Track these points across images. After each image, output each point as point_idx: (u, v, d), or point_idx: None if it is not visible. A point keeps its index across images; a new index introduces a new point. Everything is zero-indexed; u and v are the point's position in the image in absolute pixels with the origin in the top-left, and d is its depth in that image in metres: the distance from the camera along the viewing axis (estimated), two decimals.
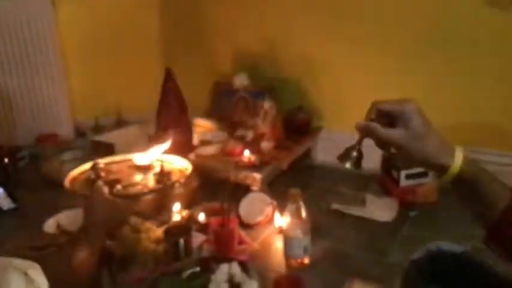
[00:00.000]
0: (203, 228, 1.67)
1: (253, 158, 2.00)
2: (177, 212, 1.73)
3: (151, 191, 1.47)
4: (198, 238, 1.61)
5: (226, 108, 2.40)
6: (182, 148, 1.90)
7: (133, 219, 1.66)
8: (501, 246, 0.80)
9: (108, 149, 2.21)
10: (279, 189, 1.87)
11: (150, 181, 1.60)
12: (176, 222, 1.69)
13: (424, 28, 2.02)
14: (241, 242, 1.62)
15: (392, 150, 0.80)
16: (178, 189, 1.81)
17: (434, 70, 2.04)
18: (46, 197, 1.97)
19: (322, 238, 1.63)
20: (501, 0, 1.80)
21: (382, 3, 2.10)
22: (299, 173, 2.18)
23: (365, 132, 0.79)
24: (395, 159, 1.92)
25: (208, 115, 2.44)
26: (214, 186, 1.86)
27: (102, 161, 1.65)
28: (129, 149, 1.85)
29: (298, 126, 2.29)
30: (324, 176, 2.18)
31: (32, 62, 2.48)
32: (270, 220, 1.75)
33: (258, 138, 2.14)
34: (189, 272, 1.41)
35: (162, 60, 2.81)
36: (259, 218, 1.74)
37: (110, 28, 2.66)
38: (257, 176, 1.88)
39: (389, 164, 1.98)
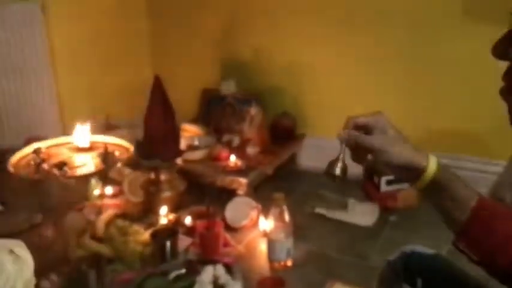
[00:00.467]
0: (189, 231, 1.72)
1: (239, 162, 2.05)
2: (164, 216, 1.78)
3: (100, 171, 1.49)
4: (184, 241, 1.66)
5: (214, 114, 2.44)
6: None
7: (121, 222, 1.70)
8: (470, 248, 0.86)
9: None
10: (264, 193, 1.91)
11: (95, 161, 1.58)
12: (163, 225, 1.73)
13: (405, 40, 2.09)
14: (226, 245, 1.67)
15: (369, 157, 0.86)
16: (166, 193, 1.86)
17: (416, 80, 2.11)
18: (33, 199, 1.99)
19: (305, 241, 1.69)
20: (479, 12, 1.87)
21: (368, 14, 2.16)
22: (284, 177, 2.23)
23: (348, 141, 0.84)
24: (373, 166, 1.98)
25: (196, 121, 2.48)
26: (200, 190, 1.91)
27: (43, 145, 1.63)
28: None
29: (283, 132, 2.34)
30: (308, 181, 2.23)
31: (21, 67, 2.49)
32: (255, 224, 1.80)
33: (244, 143, 2.20)
34: (175, 273, 1.46)
35: (151, 66, 2.84)
36: (244, 222, 1.78)
37: (99, 34, 2.68)
38: (243, 180, 1.93)
39: (371, 170, 2.04)
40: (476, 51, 1.93)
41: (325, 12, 2.26)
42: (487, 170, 2.01)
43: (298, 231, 1.63)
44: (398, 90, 2.16)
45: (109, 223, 1.73)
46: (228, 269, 1.45)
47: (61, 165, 1.50)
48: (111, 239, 1.65)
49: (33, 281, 0.83)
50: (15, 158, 1.58)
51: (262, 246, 1.67)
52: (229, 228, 1.76)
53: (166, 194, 1.85)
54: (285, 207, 1.53)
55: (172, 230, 1.64)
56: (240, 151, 2.14)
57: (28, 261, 0.82)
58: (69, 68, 2.69)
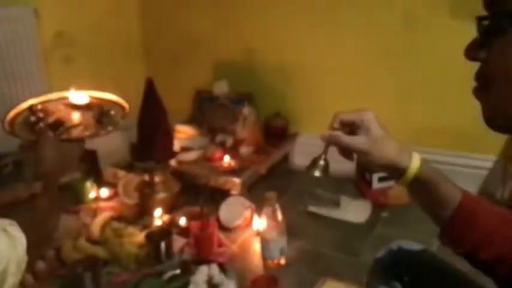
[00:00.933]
0: (184, 232, 1.74)
1: (232, 163, 2.07)
2: (159, 217, 1.80)
3: (96, 133, 1.36)
4: (179, 241, 1.68)
5: (207, 115, 2.46)
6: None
7: (116, 224, 1.72)
8: (454, 242, 0.88)
9: (91, 156, 2.26)
10: (258, 193, 1.93)
11: (91, 121, 1.43)
12: (158, 226, 1.75)
13: (393, 38, 2.11)
14: (220, 245, 1.69)
15: (355, 156, 0.88)
16: (160, 195, 1.88)
17: (405, 77, 2.13)
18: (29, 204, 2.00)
19: (299, 239, 1.71)
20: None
21: (356, 13, 2.18)
22: (277, 176, 2.25)
23: (330, 141, 0.86)
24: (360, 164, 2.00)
25: (189, 122, 2.50)
26: (195, 191, 1.93)
27: (38, 101, 1.48)
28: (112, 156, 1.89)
29: (276, 131, 2.37)
30: (301, 180, 2.25)
31: (14, 69, 2.50)
32: (249, 223, 1.82)
33: (238, 143, 2.22)
34: (170, 274, 1.48)
35: (144, 68, 2.86)
36: (238, 222, 1.80)
37: (91, 37, 2.69)
38: (236, 180, 1.95)
39: (363, 167, 2.07)
40: None
41: (316, 13, 2.28)
42: (477, 165, 2.04)
43: (291, 229, 1.65)
44: (389, 88, 2.18)
45: (104, 225, 1.75)
46: (222, 268, 1.47)
47: (57, 125, 1.35)
48: (106, 241, 1.67)
49: (25, 260, 0.83)
50: (10, 116, 1.43)
51: (256, 245, 1.69)
52: (223, 228, 1.78)
53: (161, 195, 1.87)
54: (277, 206, 1.55)
55: (167, 231, 1.66)
56: (233, 151, 2.16)
57: (21, 240, 0.83)
58: (62, 72, 2.70)
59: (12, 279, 0.79)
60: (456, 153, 2.08)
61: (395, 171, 0.85)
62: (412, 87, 2.13)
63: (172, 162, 2.09)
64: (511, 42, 0.52)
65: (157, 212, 1.81)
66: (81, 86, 1.60)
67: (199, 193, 1.89)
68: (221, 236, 1.72)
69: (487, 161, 1.98)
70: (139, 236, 1.67)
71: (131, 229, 1.72)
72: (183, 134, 2.32)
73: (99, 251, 1.63)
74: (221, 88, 2.45)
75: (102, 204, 2.01)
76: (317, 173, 0.87)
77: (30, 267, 0.87)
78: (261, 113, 2.36)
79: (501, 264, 0.80)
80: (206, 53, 2.67)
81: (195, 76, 2.73)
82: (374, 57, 2.18)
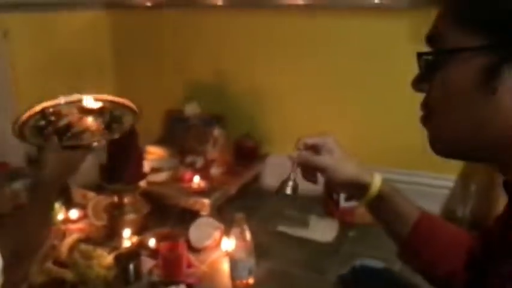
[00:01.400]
0: (153, 253, 1.74)
1: (202, 183, 2.09)
2: (128, 238, 1.79)
3: (101, 140, 1.34)
4: (148, 263, 1.68)
5: (177, 135, 2.47)
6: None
7: (84, 246, 1.70)
8: (412, 259, 0.93)
9: None
10: (228, 213, 1.95)
11: (101, 127, 1.42)
12: (126, 248, 1.75)
13: (359, 65, 2.19)
14: (189, 266, 1.70)
15: (319, 176, 0.92)
16: (129, 216, 1.88)
17: (369, 99, 2.20)
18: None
19: (268, 259, 1.73)
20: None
21: (321, 42, 2.26)
22: (247, 197, 2.27)
23: (298, 160, 0.90)
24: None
25: (159, 142, 2.51)
26: (164, 212, 1.93)
27: (51, 104, 1.47)
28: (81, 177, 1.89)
29: (246, 152, 2.40)
30: (271, 200, 2.28)
31: None
32: (218, 244, 1.83)
33: (208, 164, 2.24)
34: None
35: (114, 89, 2.86)
36: (208, 242, 1.82)
37: (62, 59, 2.69)
38: (206, 201, 1.96)
39: (330, 187, 2.11)
40: None
41: (285, 39, 2.35)
42: (440, 185, 2.11)
43: (260, 249, 1.67)
44: (354, 111, 2.25)
45: (72, 247, 1.73)
46: None
47: (65, 130, 1.32)
48: (74, 263, 1.66)
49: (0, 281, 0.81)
50: (22, 118, 1.41)
51: (225, 266, 1.70)
52: (193, 249, 1.79)
53: (130, 216, 1.87)
54: (245, 227, 1.57)
55: (136, 253, 1.66)
56: (203, 172, 2.18)
57: None
58: (32, 93, 2.68)
59: None
60: (420, 173, 2.15)
61: (358, 189, 0.90)
62: (376, 110, 2.21)
63: (142, 183, 2.09)
64: (449, 76, 0.57)
65: (126, 233, 1.80)
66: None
67: (168, 214, 1.90)
68: (190, 256, 1.73)
69: (449, 180, 2.06)
70: (108, 258, 1.66)
71: (100, 251, 1.71)
72: (153, 154, 2.32)
73: (67, 274, 1.62)
74: (192, 109, 2.47)
75: (70, 225, 1.99)
76: (288, 191, 0.91)
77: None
78: (231, 134, 2.40)
79: (454, 280, 0.84)
80: (178, 73, 2.71)
81: (166, 96, 2.75)
82: (339, 82, 2.26)
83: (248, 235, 1.57)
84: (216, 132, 2.28)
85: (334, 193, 2.08)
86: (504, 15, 0.51)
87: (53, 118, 1.38)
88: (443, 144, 0.63)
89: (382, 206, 0.90)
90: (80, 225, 2.00)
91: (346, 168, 0.88)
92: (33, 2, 2.55)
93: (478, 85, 0.53)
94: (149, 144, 2.37)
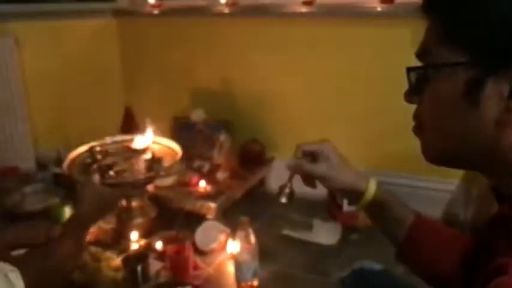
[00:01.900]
0: (160, 255, 1.78)
1: (208, 188, 2.13)
2: (136, 241, 1.83)
3: (141, 180, 1.44)
4: (155, 265, 1.72)
5: (185, 141, 2.52)
6: None
7: (93, 249, 1.75)
8: (409, 260, 0.96)
9: (69, 181, 2.28)
10: (233, 217, 1.99)
11: (141, 167, 1.56)
12: (134, 250, 1.79)
13: (362, 73, 2.23)
14: (196, 268, 1.74)
15: (317, 183, 0.95)
16: (137, 219, 1.92)
17: (373, 106, 2.24)
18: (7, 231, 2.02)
19: (272, 262, 1.77)
20: None
21: (328, 45, 2.30)
22: (253, 201, 2.31)
23: (294, 169, 0.94)
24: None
25: None
26: (171, 216, 1.98)
27: (99, 143, 1.58)
28: None
29: (252, 157, 2.44)
30: (276, 204, 2.29)
31: None
32: (224, 247, 1.87)
33: (214, 169, 2.28)
34: None
35: (123, 96, 2.93)
36: (214, 245, 1.86)
37: (71, 66, 2.76)
38: (212, 205, 2.01)
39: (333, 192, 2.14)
40: None
41: (293, 46, 2.40)
42: (442, 188, 2.13)
43: (265, 252, 1.71)
44: (360, 116, 2.29)
45: None
46: None
47: (108, 168, 1.43)
48: (83, 265, 1.70)
49: None
50: (72, 156, 1.52)
51: (230, 268, 1.74)
52: (199, 252, 1.83)
53: (138, 220, 1.90)
54: (250, 230, 1.61)
55: (144, 255, 1.70)
56: (210, 177, 2.22)
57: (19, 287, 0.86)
58: (43, 100, 2.75)
59: None
60: (422, 178, 2.18)
61: (354, 195, 0.93)
62: (379, 115, 2.24)
63: (150, 188, 2.13)
64: (437, 89, 0.61)
65: (134, 236, 1.85)
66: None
67: (175, 218, 1.94)
68: (197, 259, 1.76)
69: (450, 185, 2.08)
70: (117, 260, 1.70)
71: (108, 253, 1.75)
72: None
73: (77, 276, 1.66)
74: (199, 115, 2.52)
75: None
76: (283, 200, 0.95)
77: None
78: (237, 139, 2.45)
79: (450, 280, 0.87)
80: (185, 80, 2.76)
81: (173, 103, 2.80)
82: (344, 87, 2.30)
83: (253, 238, 1.61)
84: (222, 137, 2.32)
85: (337, 197, 2.11)
86: (484, 35, 0.55)
87: (99, 156, 1.49)
88: (433, 153, 0.67)
89: (378, 210, 0.94)
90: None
91: (342, 176, 0.91)
92: (43, 10, 2.62)
93: (463, 97, 0.57)
94: None
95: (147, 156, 1.56)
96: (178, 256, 1.69)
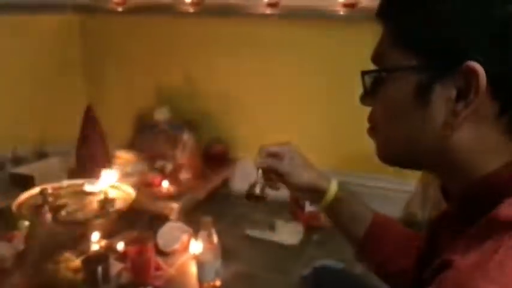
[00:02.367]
0: (122, 256, 1.75)
1: (171, 188, 2.11)
2: (96, 242, 1.80)
3: (94, 217, 1.56)
4: (116, 266, 1.69)
5: (147, 140, 2.50)
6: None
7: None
8: (366, 258, 0.99)
9: (28, 182, 2.22)
10: (197, 217, 1.98)
11: (94, 207, 1.67)
12: (95, 251, 1.76)
13: (325, 72, 2.27)
14: (158, 269, 1.72)
15: (279, 182, 0.97)
16: (98, 220, 1.89)
17: (335, 106, 2.28)
18: None
19: (235, 262, 1.78)
20: None
21: (286, 50, 2.33)
22: (217, 201, 2.32)
23: (261, 165, 0.95)
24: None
25: (129, 147, 2.52)
26: (133, 216, 1.95)
27: (51, 186, 1.67)
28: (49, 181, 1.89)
29: (215, 157, 2.44)
30: (240, 204, 2.32)
31: None
32: (186, 247, 1.86)
33: (177, 169, 2.26)
34: None
35: (84, 94, 2.86)
36: (176, 246, 1.85)
37: (32, 62, 2.68)
38: (174, 205, 1.99)
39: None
40: None
41: (255, 46, 2.42)
42: (401, 189, 2.20)
43: (228, 252, 1.71)
44: (322, 117, 2.33)
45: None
46: None
47: (60, 208, 1.54)
48: (41, 267, 1.66)
49: None
50: (23, 197, 1.62)
51: (193, 269, 1.74)
52: (161, 253, 1.82)
53: (98, 220, 1.88)
54: (213, 230, 1.61)
55: (104, 256, 1.67)
56: (172, 177, 2.21)
57: None
58: (3, 95, 2.66)
59: None
60: (382, 178, 2.23)
61: (316, 194, 0.95)
62: (341, 116, 2.28)
63: None
64: (388, 92, 0.63)
65: (95, 236, 1.81)
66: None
67: (137, 218, 1.92)
68: (158, 260, 1.75)
69: (409, 185, 2.14)
70: (76, 261, 1.67)
71: (67, 254, 1.71)
72: (123, 159, 2.34)
73: (33, 277, 1.62)
74: (162, 114, 2.50)
75: None
76: (257, 191, 0.96)
77: None
78: (201, 139, 2.44)
79: (406, 277, 0.90)
80: (148, 79, 2.73)
81: (136, 102, 2.77)
82: (307, 89, 2.33)
83: (215, 238, 1.61)
84: (185, 137, 2.31)
85: (299, 198, 2.14)
86: (430, 39, 0.57)
87: (50, 199, 1.59)
88: (385, 154, 0.69)
89: (338, 209, 0.96)
90: None
91: (305, 174, 0.93)
92: (2, 3, 2.54)
93: (412, 100, 0.60)
94: (119, 149, 2.38)
95: (99, 197, 1.68)
96: (139, 257, 1.67)
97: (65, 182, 1.75)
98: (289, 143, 0.97)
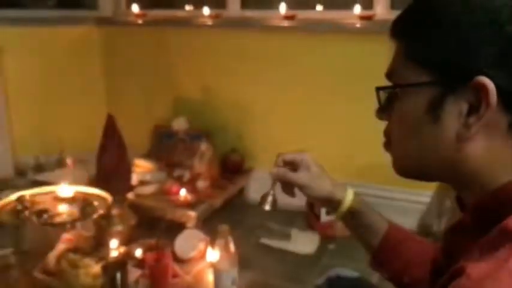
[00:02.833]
0: (140, 263, 1.79)
1: (189, 196, 2.15)
2: (115, 249, 1.84)
3: (77, 220, 1.61)
4: (134, 273, 1.72)
5: (166, 149, 2.54)
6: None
7: (72, 255, 1.75)
8: (382, 268, 1.00)
9: None
10: (213, 226, 2.00)
11: (75, 211, 1.72)
12: (114, 258, 1.79)
13: (340, 79, 2.29)
14: (175, 276, 1.75)
15: (296, 191, 0.99)
16: (117, 227, 1.93)
17: (352, 117, 2.30)
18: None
19: (250, 271, 1.80)
20: None
21: (303, 60, 2.36)
22: (232, 210, 2.34)
23: (277, 177, 0.97)
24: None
25: (148, 156, 2.57)
26: (151, 224, 1.99)
27: (27, 193, 1.72)
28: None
29: (232, 167, 2.47)
30: (255, 213, 2.35)
31: None
32: (203, 255, 1.89)
33: (195, 178, 2.30)
34: None
35: (104, 103, 2.93)
36: (193, 253, 1.87)
37: (54, 73, 2.76)
38: (192, 213, 2.02)
39: (312, 202, 2.19)
40: None
41: (271, 58, 2.45)
42: (417, 200, 2.20)
43: (244, 261, 1.73)
44: (340, 128, 2.35)
45: (60, 257, 1.77)
46: None
47: (41, 213, 1.60)
48: (62, 272, 1.70)
49: None
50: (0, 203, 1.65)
51: (209, 277, 1.75)
52: (178, 260, 1.84)
53: (118, 228, 1.92)
54: (230, 239, 1.63)
55: (123, 263, 1.70)
56: (190, 185, 2.24)
57: None
58: (23, 106, 2.74)
59: None
60: (398, 189, 2.23)
61: (332, 204, 0.97)
62: (358, 127, 2.29)
63: (130, 196, 2.14)
64: (402, 107, 0.65)
65: (114, 244, 1.85)
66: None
67: (155, 226, 1.95)
68: (176, 267, 1.78)
69: (425, 196, 2.14)
70: (95, 268, 1.70)
71: (87, 260, 1.75)
72: (142, 168, 2.38)
73: (55, 283, 1.66)
74: (180, 124, 2.54)
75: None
76: (267, 207, 0.98)
77: None
78: (218, 149, 2.47)
79: (420, 287, 0.91)
80: (167, 90, 2.78)
81: (155, 112, 2.82)
82: (324, 99, 2.35)
83: (232, 247, 1.63)
84: (203, 146, 2.35)
85: (315, 207, 2.15)
86: (442, 57, 0.60)
87: (28, 205, 1.64)
88: (400, 167, 0.71)
89: (354, 219, 0.97)
90: (68, 235, 2.04)
91: (321, 185, 0.95)
92: (26, 17, 2.62)
93: (425, 115, 0.62)
94: (138, 158, 2.43)
95: (77, 201, 1.75)
96: (157, 264, 1.70)
97: (41, 189, 1.81)
98: (305, 151, 0.98)
